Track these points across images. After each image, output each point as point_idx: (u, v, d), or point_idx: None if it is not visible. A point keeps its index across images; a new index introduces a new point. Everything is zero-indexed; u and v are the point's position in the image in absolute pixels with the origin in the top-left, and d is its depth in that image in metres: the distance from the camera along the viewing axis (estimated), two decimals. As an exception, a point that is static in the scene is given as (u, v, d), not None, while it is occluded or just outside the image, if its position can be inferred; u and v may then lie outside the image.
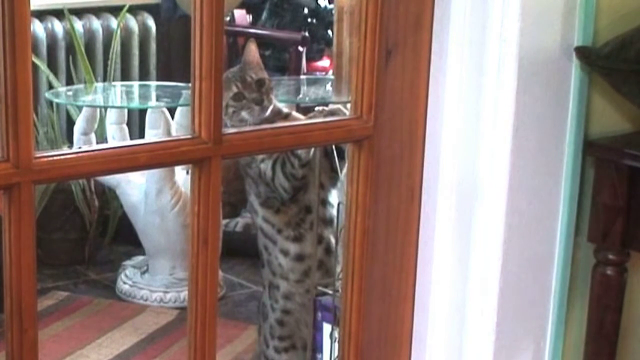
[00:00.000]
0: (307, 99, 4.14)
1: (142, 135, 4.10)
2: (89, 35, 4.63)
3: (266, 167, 2.61)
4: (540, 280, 1.89)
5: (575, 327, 1.96)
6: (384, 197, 1.82)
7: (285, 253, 2.66)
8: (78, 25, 4.56)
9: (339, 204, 2.52)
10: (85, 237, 4.09)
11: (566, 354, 1.96)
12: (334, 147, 2.58)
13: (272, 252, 2.68)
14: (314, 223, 2.58)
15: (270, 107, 2.62)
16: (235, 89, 2.58)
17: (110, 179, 3.78)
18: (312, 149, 2.54)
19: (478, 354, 1.86)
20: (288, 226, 2.65)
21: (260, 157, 2.60)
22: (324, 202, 2.63)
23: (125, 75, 4.73)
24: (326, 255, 2.62)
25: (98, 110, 3.89)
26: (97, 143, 3.79)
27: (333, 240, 2.62)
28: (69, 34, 4.38)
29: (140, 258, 4.00)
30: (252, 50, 2.66)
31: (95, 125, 3.85)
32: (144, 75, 4.81)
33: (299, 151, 2.55)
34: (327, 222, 2.64)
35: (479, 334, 1.86)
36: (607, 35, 1.83)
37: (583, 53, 1.80)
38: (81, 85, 4.19)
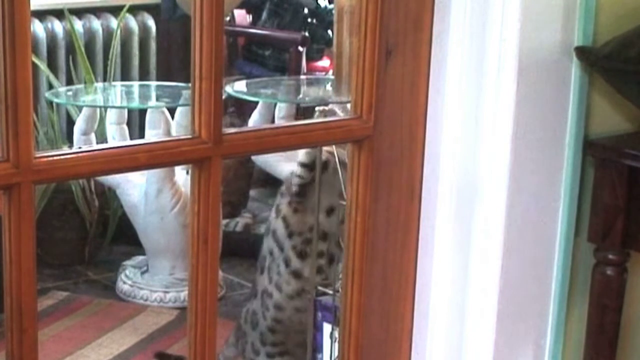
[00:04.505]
0: (307, 99, 4.13)
1: (142, 135, 4.10)
2: (89, 35, 4.64)
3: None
4: (540, 280, 1.89)
5: (575, 327, 1.96)
6: (384, 197, 1.82)
7: (287, 263, 2.66)
8: (78, 25, 4.56)
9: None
10: (85, 237, 4.08)
11: (566, 354, 1.96)
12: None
13: (276, 258, 2.68)
14: (314, 248, 2.56)
15: None
16: None
17: (110, 179, 3.78)
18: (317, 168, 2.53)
19: (478, 353, 1.86)
20: (299, 235, 2.65)
21: None
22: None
23: (125, 75, 4.74)
24: (327, 266, 2.63)
25: (98, 110, 3.89)
26: (97, 143, 3.79)
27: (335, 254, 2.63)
28: (69, 34, 4.38)
29: (140, 258, 3.99)
30: None
31: (95, 125, 3.85)
32: (144, 75, 4.81)
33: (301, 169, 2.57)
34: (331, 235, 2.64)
35: (479, 334, 1.86)
36: (607, 35, 1.82)
37: (583, 53, 1.80)
38: (81, 85, 4.19)
